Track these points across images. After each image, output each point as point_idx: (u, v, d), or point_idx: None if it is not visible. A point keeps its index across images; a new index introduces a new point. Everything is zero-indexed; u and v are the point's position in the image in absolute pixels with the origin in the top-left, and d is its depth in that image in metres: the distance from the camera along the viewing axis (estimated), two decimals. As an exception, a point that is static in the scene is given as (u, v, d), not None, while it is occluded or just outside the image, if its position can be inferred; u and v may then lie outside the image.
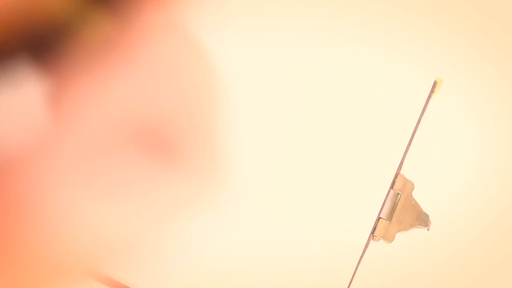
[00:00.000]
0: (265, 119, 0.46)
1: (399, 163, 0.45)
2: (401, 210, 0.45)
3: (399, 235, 0.44)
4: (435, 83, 0.48)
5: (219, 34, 0.48)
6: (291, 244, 0.43)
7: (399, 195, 0.45)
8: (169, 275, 0.41)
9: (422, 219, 0.45)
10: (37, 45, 0.18)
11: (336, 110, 0.46)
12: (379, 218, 0.44)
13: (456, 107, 0.52)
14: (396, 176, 0.45)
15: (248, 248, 0.42)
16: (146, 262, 0.41)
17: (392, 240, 0.44)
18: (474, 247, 0.48)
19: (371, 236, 0.44)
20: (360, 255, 0.43)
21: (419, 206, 0.45)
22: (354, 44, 0.48)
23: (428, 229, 0.45)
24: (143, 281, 0.41)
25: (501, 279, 0.48)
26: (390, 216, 0.44)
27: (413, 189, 0.45)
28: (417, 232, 0.45)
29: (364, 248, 0.43)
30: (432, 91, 0.47)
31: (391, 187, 0.45)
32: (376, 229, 0.44)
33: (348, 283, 0.42)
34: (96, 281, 0.42)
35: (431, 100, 0.48)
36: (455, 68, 0.53)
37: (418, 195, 0.45)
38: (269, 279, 0.42)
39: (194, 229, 0.42)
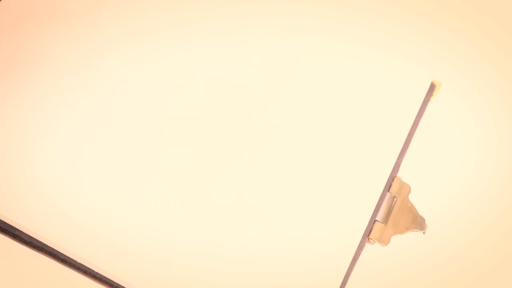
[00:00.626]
0: (260, 120, 0.46)
1: (396, 166, 0.45)
2: (397, 213, 0.45)
3: (394, 238, 0.44)
4: (433, 86, 0.47)
5: (221, 34, 0.48)
6: (286, 246, 0.43)
7: (395, 198, 0.45)
8: (169, 275, 0.41)
9: (418, 223, 0.45)
10: None
11: (334, 111, 0.46)
12: (375, 221, 0.44)
13: (454, 109, 0.52)
14: (392, 179, 0.45)
15: (245, 249, 0.42)
16: (146, 262, 0.41)
17: (388, 243, 0.44)
18: (470, 251, 0.48)
19: (367, 239, 0.44)
20: (355, 258, 0.43)
21: (415, 209, 0.45)
22: (351, 44, 0.48)
23: (424, 233, 0.45)
24: (143, 281, 0.41)
25: (497, 281, 0.48)
26: (386, 219, 0.45)
27: (409, 192, 0.45)
28: (413, 235, 0.45)
29: (359, 251, 0.43)
30: (430, 94, 0.47)
31: (388, 190, 0.45)
32: (371, 232, 0.44)
33: (343, 285, 0.43)
34: (96, 281, 0.42)
35: (429, 103, 0.47)
36: (454, 69, 0.53)
37: (414, 198, 0.45)
38: (265, 280, 0.42)
39: (193, 229, 0.42)
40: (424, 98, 0.47)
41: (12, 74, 0.45)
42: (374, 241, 0.44)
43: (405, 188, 0.45)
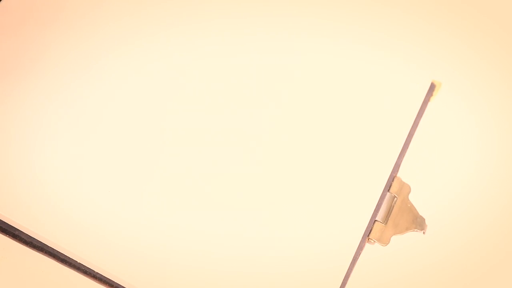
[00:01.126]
0: (261, 120, 0.46)
1: (396, 166, 0.45)
2: (397, 213, 0.45)
3: (394, 238, 0.44)
4: (433, 86, 0.47)
5: (222, 34, 0.48)
6: (286, 246, 0.43)
7: (395, 198, 0.45)
8: (169, 275, 0.41)
9: (418, 223, 0.45)
10: None
11: (334, 112, 0.46)
12: (374, 220, 0.44)
13: (454, 109, 0.52)
14: (392, 179, 0.45)
15: (245, 249, 0.42)
16: (146, 262, 0.41)
17: (388, 243, 0.44)
18: (470, 251, 0.48)
19: (367, 239, 0.44)
20: (355, 258, 0.43)
21: (415, 209, 0.45)
22: (351, 44, 0.48)
23: (424, 233, 0.45)
24: (143, 281, 0.41)
25: (497, 281, 0.48)
26: (386, 219, 0.45)
27: (409, 192, 0.45)
28: (413, 235, 0.45)
29: (359, 251, 0.43)
30: (430, 94, 0.47)
31: (388, 190, 0.45)
32: (371, 232, 0.44)
33: (343, 285, 0.43)
34: (96, 281, 0.42)
35: (429, 103, 0.47)
36: (454, 69, 0.53)
37: (414, 198, 0.45)
38: (265, 280, 0.42)
39: (193, 229, 0.42)
40: (424, 98, 0.47)
41: (13, 74, 0.45)
42: (374, 241, 0.44)
43: (405, 188, 0.45)
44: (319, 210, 0.44)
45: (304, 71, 0.47)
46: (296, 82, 0.47)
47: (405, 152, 0.46)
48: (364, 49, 0.48)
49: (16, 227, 0.42)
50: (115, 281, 0.42)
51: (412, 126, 0.46)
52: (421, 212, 0.45)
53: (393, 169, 0.45)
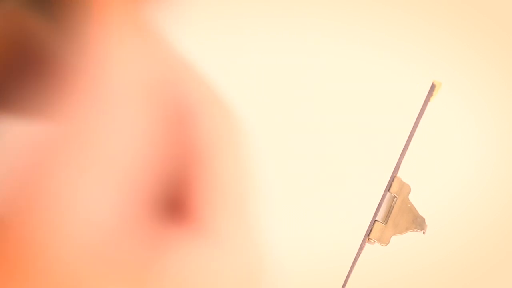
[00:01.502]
0: (261, 120, 0.46)
1: (396, 165, 0.45)
2: (397, 213, 0.45)
3: (394, 238, 0.44)
4: (433, 86, 0.47)
5: (222, 34, 0.48)
6: (286, 246, 0.43)
7: (395, 198, 0.45)
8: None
9: (418, 223, 0.45)
10: None
11: (334, 112, 0.46)
12: (374, 221, 0.44)
13: (455, 109, 0.52)
14: (392, 179, 0.45)
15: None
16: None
17: (388, 243, 0.44)
18: (470, 251, 0.48)
19: (367, 239, 0.44)
20: (355, 258, 0.43)
21: (415, 209, 0.45)
22: (351, 44, 0.48)
23: (424, 233, 0.45)
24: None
25: (497, 281, 0.48)
26: (386, 219, 0.45)
27: (409, 192, 0.45)
28: (413, 235, 0.45)
29: (359, 251, 0.43)
30: (430, 94, 0.47)
31: (388, 189, 0.45)
32: (371, 232, 0.44)
33: (343, 285, 0.43)
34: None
35: (429, 103, 0.47)
36: (454, 69, 0.53)
37: (414, 198, 0.45)
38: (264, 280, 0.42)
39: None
40: (425, 98, 0.47)
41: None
42: (374, 241, 0.44)
43: (405, 188, 0.45)
44: (320, 210, 0.44)
45: (304, 71, 0.47)
46: (296, 82, 0.47)
47: (405, 152, 0.46)
48: (364, 49, 0.48)
49: (16, 227, 0.42)
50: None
51: (412, 126, 0.46)
52: (421, 212, 0.45)
53: (393, 169, 0.45)
